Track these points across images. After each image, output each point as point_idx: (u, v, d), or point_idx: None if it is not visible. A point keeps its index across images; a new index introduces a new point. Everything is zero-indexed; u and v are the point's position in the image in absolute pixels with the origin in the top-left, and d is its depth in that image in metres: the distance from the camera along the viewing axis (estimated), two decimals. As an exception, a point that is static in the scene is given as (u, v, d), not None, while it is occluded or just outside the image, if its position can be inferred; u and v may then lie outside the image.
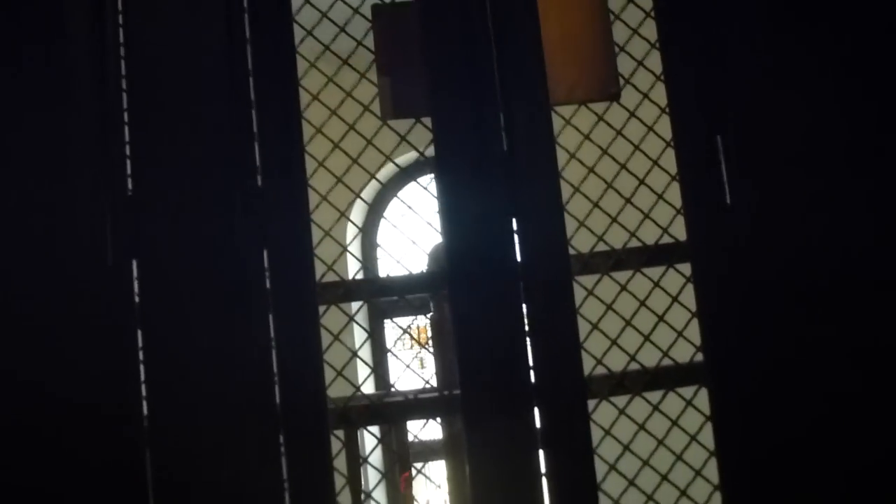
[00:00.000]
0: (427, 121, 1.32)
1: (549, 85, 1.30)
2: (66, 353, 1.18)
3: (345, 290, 1.40)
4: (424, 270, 1.78)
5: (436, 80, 1.29)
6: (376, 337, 3.70)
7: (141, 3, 1.27)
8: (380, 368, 3.51)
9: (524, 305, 1.25)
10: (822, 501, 1.21)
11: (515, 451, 1.22)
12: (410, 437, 2.58)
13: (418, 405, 1.36)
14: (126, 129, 1.25)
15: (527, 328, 1.25)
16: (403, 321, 3.18)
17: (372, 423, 1.40)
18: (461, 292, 1.25)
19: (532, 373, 1.25)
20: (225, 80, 1.26)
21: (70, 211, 1.20)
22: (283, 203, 1.25)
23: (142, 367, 1.20)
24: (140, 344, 1.20)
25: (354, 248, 3.81)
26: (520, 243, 1.26)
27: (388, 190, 3.78)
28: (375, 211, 3.84)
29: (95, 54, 1.24)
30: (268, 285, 1.22)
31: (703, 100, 1.27)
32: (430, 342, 1.78)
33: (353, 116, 1.41)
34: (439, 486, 3.21)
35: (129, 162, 1.25)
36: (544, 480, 1.23)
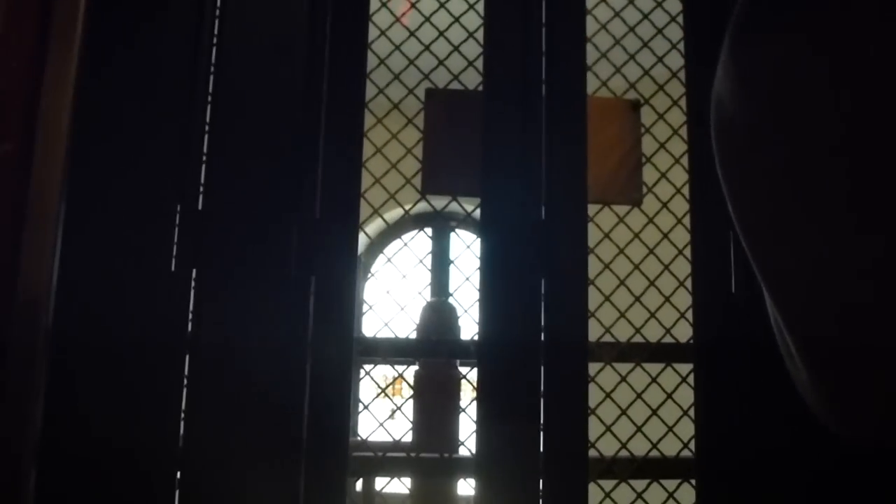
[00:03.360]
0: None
1: (584, 185, 1.42)
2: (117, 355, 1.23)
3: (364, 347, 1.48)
4: (414, 334, 1.86)
5: (489, 164, 1.41)
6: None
7: (236, 31, 1.37)
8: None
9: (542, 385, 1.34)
10: None
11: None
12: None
13: (387, 463, 1.44)
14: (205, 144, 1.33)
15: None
16: (377, 372, 3.21)
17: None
18: (489, 363, 1.34)
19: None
20: (299, 129, 1.35)
21: (141, 218, 1.27)
22: (336, 248, 1.34)
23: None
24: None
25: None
26: (545, 330, 1.37)
27: (377, 245, 3.88)
28: (363, 266, 3.92)
29: (189, 76, 1.32)
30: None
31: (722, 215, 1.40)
32: (413, 396, 1.84)
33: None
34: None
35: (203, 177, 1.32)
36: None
